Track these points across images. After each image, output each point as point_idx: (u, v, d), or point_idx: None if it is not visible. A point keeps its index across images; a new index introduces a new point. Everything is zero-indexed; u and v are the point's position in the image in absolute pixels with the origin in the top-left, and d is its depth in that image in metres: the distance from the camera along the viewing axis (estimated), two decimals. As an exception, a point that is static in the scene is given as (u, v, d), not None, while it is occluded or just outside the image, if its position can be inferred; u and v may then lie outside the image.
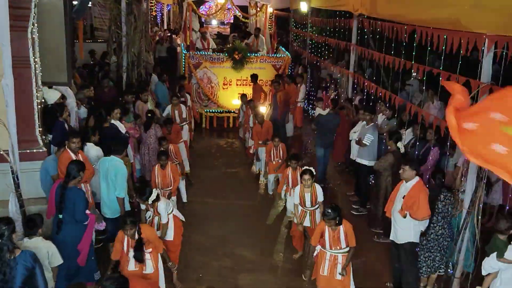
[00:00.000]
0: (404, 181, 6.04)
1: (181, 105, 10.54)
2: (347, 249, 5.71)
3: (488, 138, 2.56)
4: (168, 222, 6.15)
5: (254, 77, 12.70)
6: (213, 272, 6.65)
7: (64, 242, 5.50)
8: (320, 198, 6.80)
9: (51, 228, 5.79)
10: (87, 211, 5.80)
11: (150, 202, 5.95)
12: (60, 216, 5.55)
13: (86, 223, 5.71)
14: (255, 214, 8.61)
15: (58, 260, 5.13)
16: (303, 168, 6.87)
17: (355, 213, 8.57)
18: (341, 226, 5.63)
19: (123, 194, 6.41)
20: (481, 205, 5.86)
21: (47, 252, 5.04)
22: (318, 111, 10.27)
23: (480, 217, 5.92)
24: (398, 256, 6.19)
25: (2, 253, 4.19)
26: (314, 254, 5.98)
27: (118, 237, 5.42)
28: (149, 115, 8.96)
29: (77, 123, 8.48)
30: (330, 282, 5.76)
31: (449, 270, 6.28)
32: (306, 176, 6.63)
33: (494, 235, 5.50)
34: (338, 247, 5.68)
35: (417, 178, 5.98)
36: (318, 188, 6.81)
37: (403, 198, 5.94)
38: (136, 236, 5.30)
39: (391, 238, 6.25)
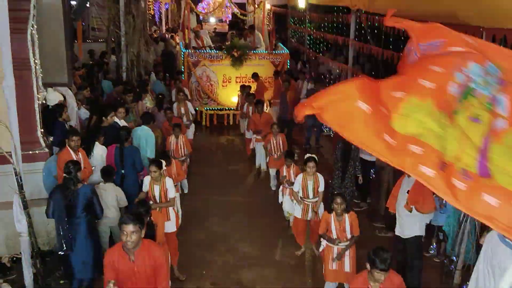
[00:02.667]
0: (406, 175, 6.02)
1: (187, 102, 10.55)
2: (353, 241, 5.80)
3: (379, 127, 2.63)
4: (175, 198, 6.46)
5: (255, 76, 12.72)
6: (216, 268, 6.70)
7: (125, 191, 6.70)
8: (322, 187, 6.82)
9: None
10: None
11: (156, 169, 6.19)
12: (122, 171, 7.04)
13: (142, 173, 7.26)
14: (256, 210, 8.66)
15: (124, 202, 6.52)
16: (306, 156, 6.89)
17: (356, 208, 8.54)
18: (346, 216, 5.72)
19: (153, 155, 7.77)
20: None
21: (116, 195, 6.41)
22: (306, 86, 12.18)
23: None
24: (403, 250, 6.20)
25: (69, 185, 5.57)
26: (320, 249, 6.03)
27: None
28: (160, 96, 10.20)
29: (78, 123, 8.53)
30: (338, 275, 5.84)
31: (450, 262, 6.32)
32: (311, 164, 6.66)
33: None
34: (344, 239, 5.74)
35: (419, 172, 5.97)
36: (321, 178, 6.84)
37: (407, 193, 5.93)
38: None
39: (396, 233, 6.20)
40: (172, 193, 6.34)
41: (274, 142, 8.88)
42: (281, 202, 7.87)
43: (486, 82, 2.48)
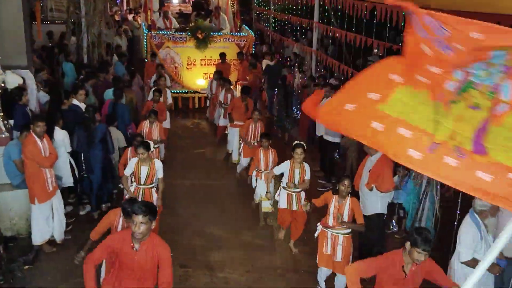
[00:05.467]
0: (370, 155, 6.19)
1: (167, 89, 10.38)
2: (349, 230, 5.62)
3: (366, 117, 2.69)
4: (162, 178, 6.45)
5: (222, 56, 12.61)
6: (184, 251, 6.73)
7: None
8: (308, 176, 6.59)
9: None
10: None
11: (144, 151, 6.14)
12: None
13: (130, 126, 8.77)
14: (224, 193, 8.71)
15: (123, 143, 7.98)
16: (295, 143, 6.61)
17: (320, 189, 8.60)
18: (348, 199, 5.58)
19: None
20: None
21: (117, 137, 7.83)
22: (266, 62, 12.45)
23: (439, 187, 6.21)
24: (367, 227, 6.39)
25: (89, 123, 7.15)
26: (316, 234, 5.88)
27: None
28: (132, 68, 11.30)
29: (38, 107, 8.30)
30: (330, 262, 5.72)
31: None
32: (299, 150, 6.40)
33: None
34: (340, 225, 5.56)
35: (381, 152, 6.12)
36: (307, 166, 6.61)
37: (369, 171, 6.11)
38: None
39: None
40: (160, 173, 6.39)
41: (253, 128, 8.45)
42: (255, 187, 7.67)
43: (488, 73, 2.46)
